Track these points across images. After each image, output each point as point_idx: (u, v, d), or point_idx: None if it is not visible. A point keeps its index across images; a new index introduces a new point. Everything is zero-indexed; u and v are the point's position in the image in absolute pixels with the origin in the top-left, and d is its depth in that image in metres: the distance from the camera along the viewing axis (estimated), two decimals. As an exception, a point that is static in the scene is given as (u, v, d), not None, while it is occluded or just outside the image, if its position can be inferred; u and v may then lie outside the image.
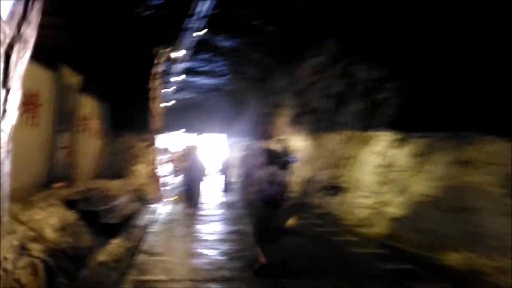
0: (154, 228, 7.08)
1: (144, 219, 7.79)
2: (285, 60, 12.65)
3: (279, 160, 5.36)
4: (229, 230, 7.32)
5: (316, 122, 10.75)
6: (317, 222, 8.06)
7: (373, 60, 8.14)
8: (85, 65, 7.63)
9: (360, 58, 8.71)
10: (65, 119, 6.93)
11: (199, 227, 7.49)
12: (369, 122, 8.47)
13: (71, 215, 5.42)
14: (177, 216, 8.58)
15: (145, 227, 7.11)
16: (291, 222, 5.03)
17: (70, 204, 5.63)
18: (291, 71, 12.53)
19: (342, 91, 9.51)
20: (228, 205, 10.26)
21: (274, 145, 14.48)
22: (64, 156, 7.02)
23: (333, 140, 9.67)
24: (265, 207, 4.96)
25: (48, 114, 6.17)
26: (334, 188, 8.90)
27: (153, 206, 9.44)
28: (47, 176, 6.23)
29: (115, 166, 10.00)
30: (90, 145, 8.56)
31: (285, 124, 13.40)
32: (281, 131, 13.91)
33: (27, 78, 2.87)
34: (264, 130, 15.40)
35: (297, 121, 12.28)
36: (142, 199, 9.56)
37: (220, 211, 9.53)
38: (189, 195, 9.80)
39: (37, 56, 3.18)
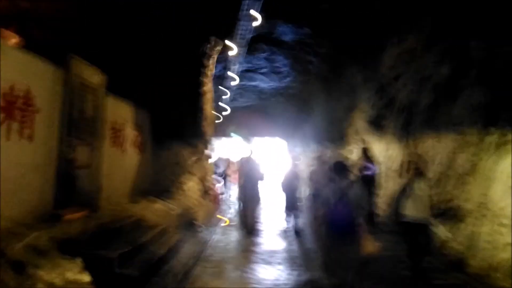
0: (194, 274, 5.18)
1: (184, 257, 5.92)
2: (360, 52, 10.36)
3: (351, 172, 4.61)
4: (296, 280, 5.17)
5: (406, 123, 8.26)
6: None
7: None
8: (112, 59, 6.11)
9: (472, 33, 6.20)
10: (82, 130, 5.36)
11: (256, 272, 5.43)
12: (493, 120, 5.90)
13: (68, 266, 3.72)
14: (230, 250, 6.65)
15: (181, 274, 5.20)
16: (370, 247, 3.93)
17: (70, 247, 3.95)
18: (368, 64, 10.17)
19: (444, 80, 7.00)
20: (292, 234, 8.11)
21: (348, 154, 12.11)
22: (83, 177, 5.44)
23: (434, 145, 7.15)
24: (335, 237, 4.07)
25: (51, 123, 4.60)
26: (444, 212, 6.38)
27: (202, 234, 7.63)
28: (52, 205, 4.64)
29: (160, 185, 8.41)
30: (124, 160, 7.02)
31: (361, 128, 11.01)
32: (357, 137, 11.51)
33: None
34: (335, 137, 13.09)
35: (378, 124, 9.85)
36: (190, 224, 7.81)
37: (283, 245, 7.24)
38: (245, 219, 7.91)
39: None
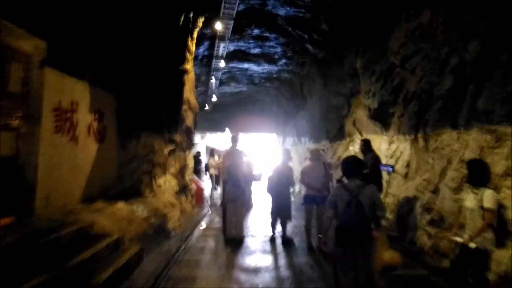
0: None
1: (138, 281, 4.59)
2: (363, 29, 9.05)
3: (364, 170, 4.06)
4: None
5: (419, 113, 7.00)
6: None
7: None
8: (63, 27, 4.76)
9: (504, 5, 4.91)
10: (3, 110, 4.02)
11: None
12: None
13: None
14: (203, 268, 5.34)
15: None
16: (388, 257, 3.60)
17: None
18: (373, 45, 8.88)
19: (468, 63, 5.73)
20: (280, 243, 6.82)
21: (346, 148, 10.86)
22: (6, 172, 4.12)
23: (452, 141, 5.90)
24: (344, 250, 3.55)
25: None
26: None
27: (172, 242, 6.35)
28: None
29: (126, 182, 7.10)
30: (74, 151, 5.67)
31: (364, 119, 9.75)
32: (358, 129, 10.25)
33: None
34: (332, 128, 11.83)
35: (380, 115, 8.59)
36: (160, 230, 6.53)
37: (269, 260, 5.78)
38: (229, 225, 6.66)
39: None
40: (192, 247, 6.15)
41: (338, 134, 11.34)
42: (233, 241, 6.54)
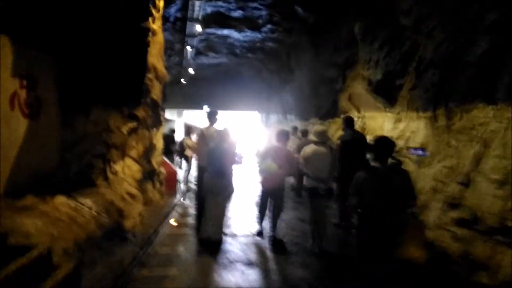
0: None
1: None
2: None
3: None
4: None
5: (438, 85, 5.70)
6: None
7: None
8: None
9: None
10: None
11: None
12: None
13: None
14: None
15: None
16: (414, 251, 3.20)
17: None
18: (375, 6, 7.49)
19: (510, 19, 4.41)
20: (269, 245, 5.52)
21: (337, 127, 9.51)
22: None
23: (492, 120, 4.63)
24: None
25: None
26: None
27: (128, 249, 4.94)
28: None
29: (72, 168, 5.59)
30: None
31: (362, 93, 8.42)
32: (354, 105, 8.93)
33: None
34: (324, 105, 10.49)
35: (387, 87, 7.28)
36: (115, 231, 5.11)
37: (255, 273, 4.44)
38: (205, 222, 5.33)
39: None
40: (153, 256, 4.75)
41: (331, 111, 10.03)
42: (209, 242, 5.20)
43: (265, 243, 5.51)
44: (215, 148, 5.40)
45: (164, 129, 9.36)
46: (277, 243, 5.41)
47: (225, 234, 5.62)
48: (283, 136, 5.65)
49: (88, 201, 5.15)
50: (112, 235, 4.99)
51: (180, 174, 9.48)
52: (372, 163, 3.52)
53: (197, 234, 5.56)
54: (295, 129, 9.92)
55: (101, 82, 5.94)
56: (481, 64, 4.76)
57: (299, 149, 8.80)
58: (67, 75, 5.66)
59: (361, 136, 6.52)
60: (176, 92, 18.54)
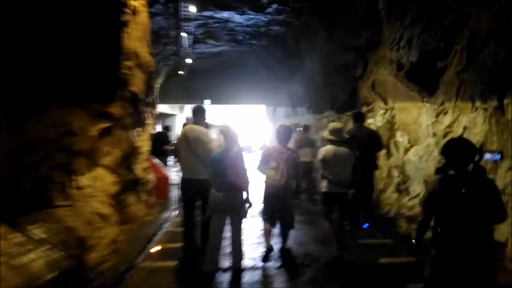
0: None
1: None
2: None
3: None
4: None
5: (503, 66, 4.27)
6: None
7: None
8: None
9: None
10: None
11: None
12: None
13: None
14: None
15: None
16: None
17: None
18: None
19: None
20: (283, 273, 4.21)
21: (369, 122, 7.85)
22: None
23: None
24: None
25: None
26: None
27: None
28: None
29: (22, 185, 4.27)
30: None
31: (389, 80, 6.99)
32: (380, 95, 7.49)
33: None
34: (340, 96, 9.05)
35: (425, 71, 5.84)
36: (73, 272, 3.78)
37: None
38: (211, 245, 4.02)
39: None
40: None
41: (349, 103, 8.60)
42: (204, 275, 3.88)
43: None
44: (221, 154, 4.04)
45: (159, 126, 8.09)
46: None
47: (224, 270, 4.26)
48: (285, 133, 4.53)
49: (38, 231, 3.84)
50: (68, 278, 3.67)
51: (175, 179, 8.14)
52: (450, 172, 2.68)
53: (191, 266, 4.24)
54: (306, 127, 8.62)
55: (60, 72, 4.60)
56: None
57: (299, 146, 7.61)
58: (11, 64, 4.31)
59: (367, 134, 5.78)
60: (175, 85, 17.23)
